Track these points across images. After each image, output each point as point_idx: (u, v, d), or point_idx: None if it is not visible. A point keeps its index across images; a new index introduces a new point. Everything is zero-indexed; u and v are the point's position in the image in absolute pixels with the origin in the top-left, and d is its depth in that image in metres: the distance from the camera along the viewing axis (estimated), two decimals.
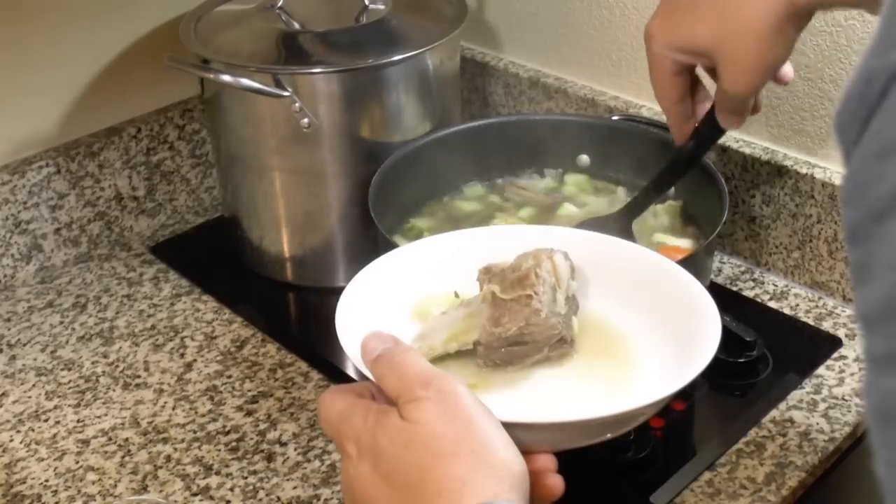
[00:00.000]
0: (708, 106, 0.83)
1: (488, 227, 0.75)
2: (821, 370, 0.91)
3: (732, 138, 1.04)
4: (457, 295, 0.71)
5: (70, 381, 0.95)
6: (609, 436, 0.61)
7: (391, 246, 0.85)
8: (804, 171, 0.98)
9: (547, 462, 0.55)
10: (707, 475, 0.81)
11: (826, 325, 0.97)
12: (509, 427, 0.53)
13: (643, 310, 0.71)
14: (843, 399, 0.88)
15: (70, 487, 0.83)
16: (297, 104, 0.94)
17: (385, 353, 0.56)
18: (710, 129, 0.84)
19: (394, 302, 0.69)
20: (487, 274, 0.67)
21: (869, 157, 0.33)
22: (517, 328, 0.64)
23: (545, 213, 1.01)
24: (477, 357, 0.67)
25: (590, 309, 0.72)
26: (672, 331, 0.67)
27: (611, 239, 0.75)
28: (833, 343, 0.94)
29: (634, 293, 0.71)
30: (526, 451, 0.54)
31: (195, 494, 0.82)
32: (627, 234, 0.90)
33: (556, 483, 0.55)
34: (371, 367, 0.57)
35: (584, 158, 1.05)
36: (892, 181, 0.32)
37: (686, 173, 0.91)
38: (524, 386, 0.66)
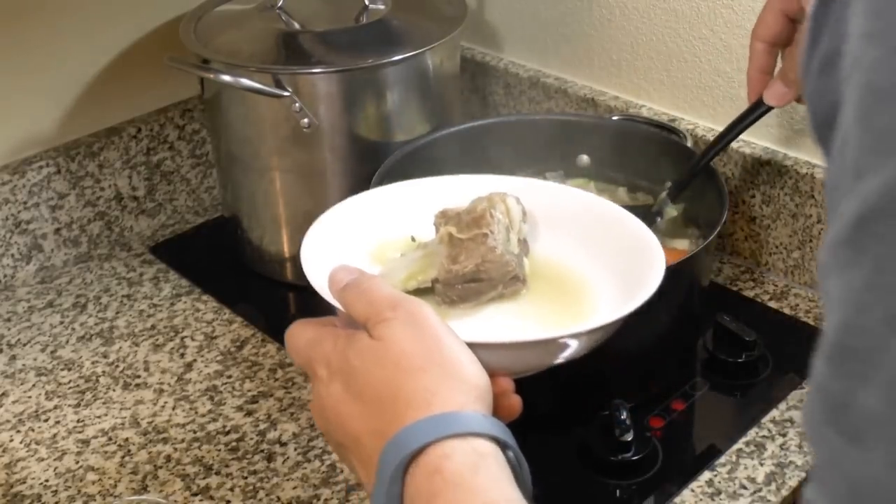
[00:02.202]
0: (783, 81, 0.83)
1: (444, 177, 0.78)
2: None
3: None
4: (413, 239, 0.73)
5: (70, 381, 0.95)
6: (562, 359, 0.63)
7: None
8: (804, 171, 0.98)
9: (506, 384, 0.57)
10: (707, 475, 0.81)
11: None
12: (471, 348, 0.56)
13: (592, 252, 0.72)
14: None
15: (70, 487, 0.83)
16: (297, 104, 0.94)
17: (352, 281, 0.58)
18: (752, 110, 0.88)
19: (353, 246, 0.71)
20: (444, 217, 0.69)
21: (815, 75, 0.35)
22: (474, 265, 0.66)
23: None
24: (435, 294, 0.68)
25: (541, 251, 0.74)
26: (620, 270, 0.69)
27: (561, 187, 0.77)
28: None
29: (584, 237, 0.73)
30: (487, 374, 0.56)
31: (195, 494, 0.82)
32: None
33: (515, 402, 0.57)
34: (339, 296, 0.58)
35: (584, 158, 1.04)
36: (832, 96, 0.34)
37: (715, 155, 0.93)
38: (481, 319, 0.68)
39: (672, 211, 0.96)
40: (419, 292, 0.68)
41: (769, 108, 0.86)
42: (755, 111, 0.88)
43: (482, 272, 0.67)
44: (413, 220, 0.73)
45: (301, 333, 0.59)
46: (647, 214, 0.91)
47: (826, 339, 0.34)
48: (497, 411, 0.55)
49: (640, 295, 0.64)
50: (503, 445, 0.51)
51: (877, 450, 0.31)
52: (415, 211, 0.73)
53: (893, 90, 0.31)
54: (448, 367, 0.53)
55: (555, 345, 0.61)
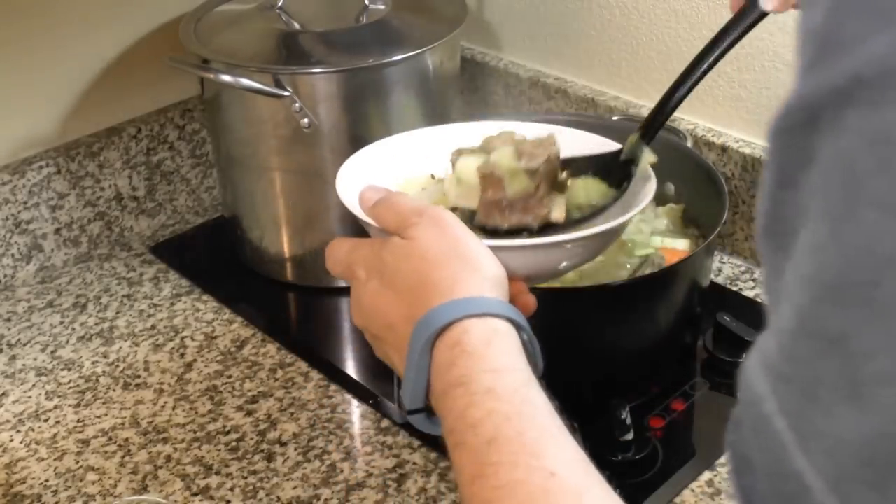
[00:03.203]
0: None
1: (457, 123, 0.84)
2: None
3: (732, 138, 1.04)
4: (433, 177, 0.78)
5: (70, 381, 0.95)
6: (569, 263, 0.69)
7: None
8: None
9: (520, 285, 0.64)
10: (707, 475, 0.81)
11: None
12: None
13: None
14: None
15: (70, 487, 0.83)
16: (297, 104, 0.94)
17: (382, 198, 0.65)
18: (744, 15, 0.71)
19: (380, 181, 0.76)
20: (460, 154, 0.73)
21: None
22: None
23: None
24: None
25: None
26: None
27: (563, 128, 0.79)
28: None
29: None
30: None
31: (195, 494, 0.82)
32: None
33: (531, 300, 0.64)
34: (370, 211, 0.65)
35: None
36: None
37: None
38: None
39: (650, 156, 0.78)
40: None
41: (760, 17, 0.71)
42: (743, 20, 0.71)
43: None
44: (428, 163, 0.78)
45: (341, 245, 0.66)
46: (620, 166, 0.76)
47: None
48: (513, 304, 0.61)
49: (635, 206, 0.69)
50: (517, 327, 0.57)
51: None
52: (432, 153, 0.78)
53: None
54: (467, 260, 0.59)
55: (561, 248, 0.67)
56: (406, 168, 0.78)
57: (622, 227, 0.68)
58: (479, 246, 0.61)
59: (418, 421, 0.59)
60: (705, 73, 0.75)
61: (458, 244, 0.60)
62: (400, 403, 0.61)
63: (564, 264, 0.69)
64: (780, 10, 0.71)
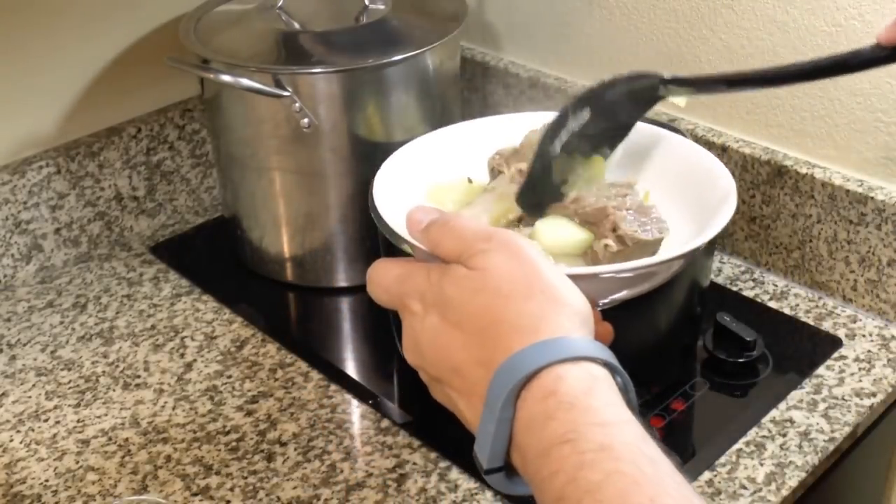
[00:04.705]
0: None
1: (486, 118, 0.78)
2: (821, 370, 0.91)
3: (732, 138, 1.04)
4: (470, 181, 0.72)
5: (70, 381, 0.95)
6: (648, 288, 0.64)
7: (391, 246, 0.85)
8: (804, 171, 0.98)
9: (596, 313, 0.56)
10: (707, 475, 0.81)
11: (826, 325, 0.97)
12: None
13: (650, 179, 0.72)
14: (843, 399, 0.88)
15: (70, 487, 0.83)
16: (297, 104, 0.94)
17: (435, 220, 0.57)
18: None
19: (412, 191, 0.71)
20: (501, 157, 0.69)
21: None
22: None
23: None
24: (522, 226, 0.69)
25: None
26: (686, 200, 0.70)
27: None
28: (833, 343, 0.94)
29: (643, 164, 0.73)
30: None
31: (195, 494, 0.82)
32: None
33: (608, 328, 0.57)
34: (423, 236, 0.57)
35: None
36: None
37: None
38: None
39: (682, 100, 0.74)
40: None
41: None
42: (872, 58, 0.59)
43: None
44: (462, 162, 0.72)
45: (388, 270, 0.57)
46: (648, 94, 0.71)
47: None
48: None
49: (714, 222, 0.65)
50: (612, 370, 0.51)
51: None
52: (463, 153, 0.72)
53: None
54: (551, 293, 0.52)
55: (645, 274, 0.62)
56: (439, 172, 0.72)
57: (702, 247, 0.65)
58: (560, 275, 0.53)
59: (497, 481, 0.51)
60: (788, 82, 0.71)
61: (537, 274, 0.52)
62: (474, 459, 0.52)
63: (639, 289, 0.64)
64: None
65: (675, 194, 0.72)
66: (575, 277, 0.54)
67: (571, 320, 0.51)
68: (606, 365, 0.50)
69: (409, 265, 0.57)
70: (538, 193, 0.69)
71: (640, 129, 0.75)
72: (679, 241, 0.69)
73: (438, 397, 0.56)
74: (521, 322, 0.50)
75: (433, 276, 0.54)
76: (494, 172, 0.71)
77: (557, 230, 0.67)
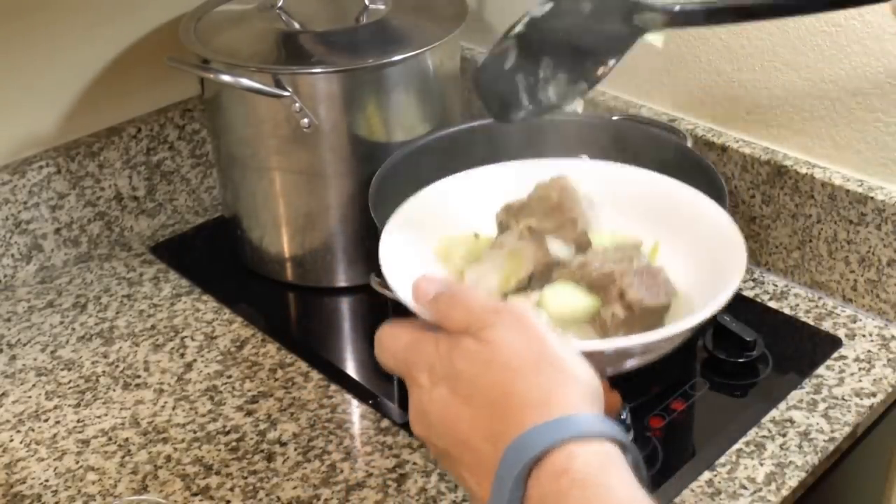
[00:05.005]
0: None
1: (491, 166, 0.76)
2: (821, 370, 0.91)
3: (732, 138, 1.04)
4: (477, 236, 0.71)
5: (70, 381, 0.95)
6: (656, 357, 0.63)
7: None
8: (804, 171, 0.98)
9: (605, 382, 0.56)
10: (707, 475, 0.81)
11: (826, 325, 0.97)
12: None
13: (661, 235, 0.71)
14: (843, 399, 0.88)
15: (70, 487, 0.83)
16: (297, 104, 0.94)
17: (443, 291, 0.56)
18: None
19: (420, 248, 0.70)
20: (509, 212, 0.68)
21: None
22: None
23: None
24: (530, 289, 0.67)
25: (608, 233, 0.72)
26: (695, 256, 0.68)
27: (610, 165, 0.74)
28: (833, 343, 0.94)
29: (653, 218, 0.71)
30: None
31: (195, 494, 0.82)
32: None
33: (617, 398, 0.57)
34: (430, 307, 0.56)
35: (585, 158, 1.04)
36: None
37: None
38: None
39: (657, 39, 0.66)
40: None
41: None
42: None
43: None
44: (469, 214, 0.71)
45: (396, 337, 0.56)
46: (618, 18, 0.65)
47: None
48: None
49: (726, 289, 0.63)
50: (623, 447, 0.50)
51: None
52: (469, 204, 0.71)
53: None
54: (560, 367, 0.51)
55: (654, 346, 0.61)
56: (444, 224, 0.71)
57: (714, 316, 0.63)
58: (570, 349, 0.53)
59: None
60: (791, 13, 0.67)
61: (546, 348, 0.51)
62: None
63: (647, 358, 0.63)
64: None
65: (682, 246, 0.70)
66: (584, 352, 0.54)
67: (582, 395, 0.50)
68: (617, 442, 0.50)
69: (418, 333, 0.56)
70: (499, 84, 0.67)
71: (651, 179, 0.74)
72: (688, 299, 0.67)
73: (447, 469, 0.55)
74: (530, 396, 0.50)
75: (442, 347, 0.54)
76: (502, 227, 0.70)
77: (564, 297, 0.66)
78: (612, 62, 0.65)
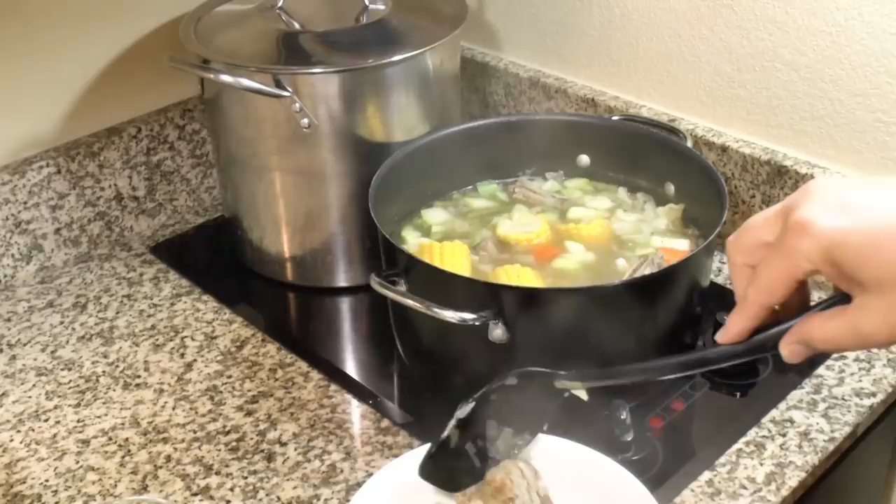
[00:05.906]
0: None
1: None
2: (821, 370, 0.91)
3: (732, 138, 1.04)
4: None
5: (70, 381, 0.95)
6: None
7: (391, 246, 0.85)
8: (804, 171, 0.98)
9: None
10: (707, 475, 0.81)
11: None
12: None
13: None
14: (843, 399, 0.88)
15: (70, 487, 0.83)
16: (297, 104, 0.94)
17: None
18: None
19: None
20: (465, 496, 0.74)
21: None
22: None
23: (555, 214, 1.01)
24: None
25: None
26: None
27: (563, 442, 0.78)
28: None
29: (579, 490, 0.75)
30: None
31: (195, 494, 0.82)
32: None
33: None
34: None
35: (584, 158, 1.05)
36: None
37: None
38: None
39: (582, 394, 0.82)
40: None
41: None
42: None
43: None
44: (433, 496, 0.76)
45: None
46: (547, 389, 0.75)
47: None
48: None
49: None
50: None
51: None
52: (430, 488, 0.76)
53: None
54: None
55: None
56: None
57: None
58: None
59: None
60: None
61: None
62: None
63: None
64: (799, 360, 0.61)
65: None
66: None
67: None
68: None
69: None
70: (450, 462, 0.76)
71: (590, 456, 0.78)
72: None
73: None
74: None
75: None
76: None
77: None
78: (548, 416, 0.76)
